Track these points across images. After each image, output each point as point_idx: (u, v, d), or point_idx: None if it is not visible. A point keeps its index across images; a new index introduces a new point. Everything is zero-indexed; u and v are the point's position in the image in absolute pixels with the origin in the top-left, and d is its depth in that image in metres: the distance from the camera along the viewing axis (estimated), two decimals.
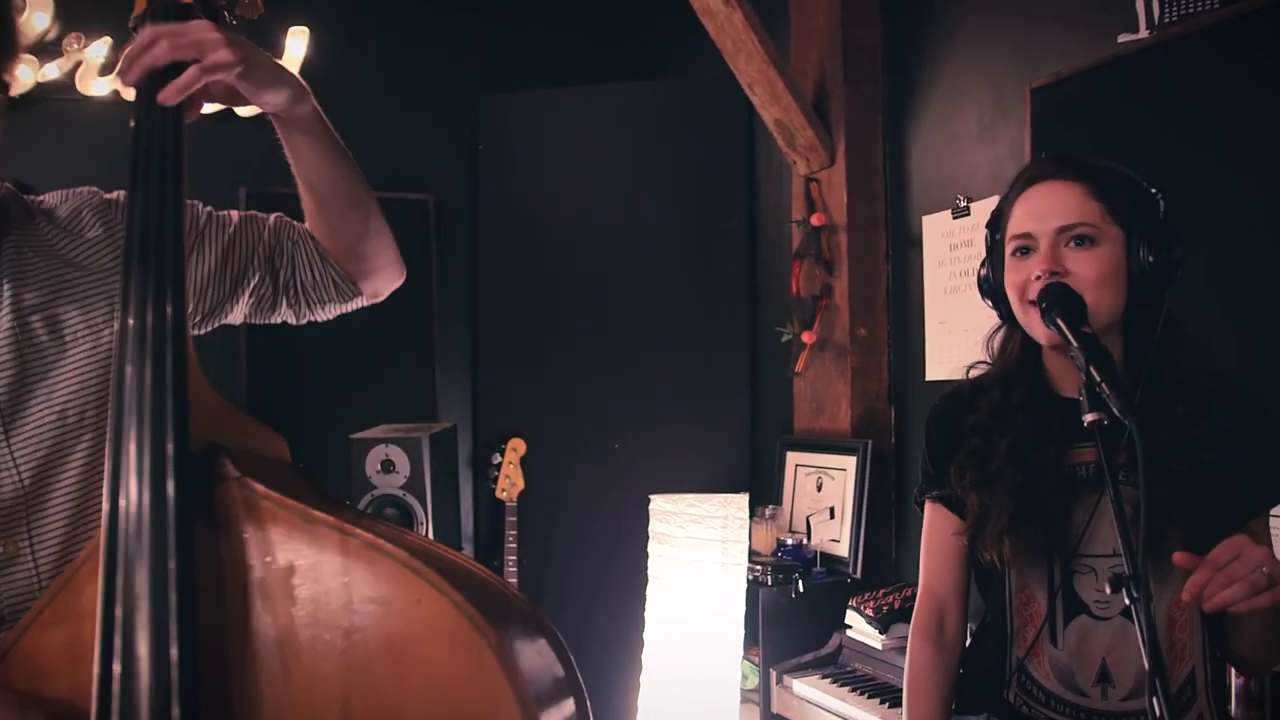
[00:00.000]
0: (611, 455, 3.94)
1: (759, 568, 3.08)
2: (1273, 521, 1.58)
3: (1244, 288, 2.22)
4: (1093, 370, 1.29)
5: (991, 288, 1.61)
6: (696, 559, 2.68)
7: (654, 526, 2.83)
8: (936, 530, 1.70)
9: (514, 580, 3.88)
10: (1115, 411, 1.24)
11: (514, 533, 3.92)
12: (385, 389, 3.97)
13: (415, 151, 4.14)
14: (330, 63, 3.91)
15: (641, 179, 4.03)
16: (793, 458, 3.52)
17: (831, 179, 3.40)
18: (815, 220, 3.35)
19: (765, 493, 3.66)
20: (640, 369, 3.96)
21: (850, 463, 3.24)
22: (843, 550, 3.21)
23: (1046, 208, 1.49)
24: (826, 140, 3.39)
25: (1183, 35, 2.33)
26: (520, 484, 3.95)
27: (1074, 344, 1.34)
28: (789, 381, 3.59)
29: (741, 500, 2.78)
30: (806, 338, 3.38)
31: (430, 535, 2.96)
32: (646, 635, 2.88)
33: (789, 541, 3.25)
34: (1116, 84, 2.49)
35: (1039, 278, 1.47)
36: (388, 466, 2.97)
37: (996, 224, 1.61)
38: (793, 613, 3.08)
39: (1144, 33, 2.43)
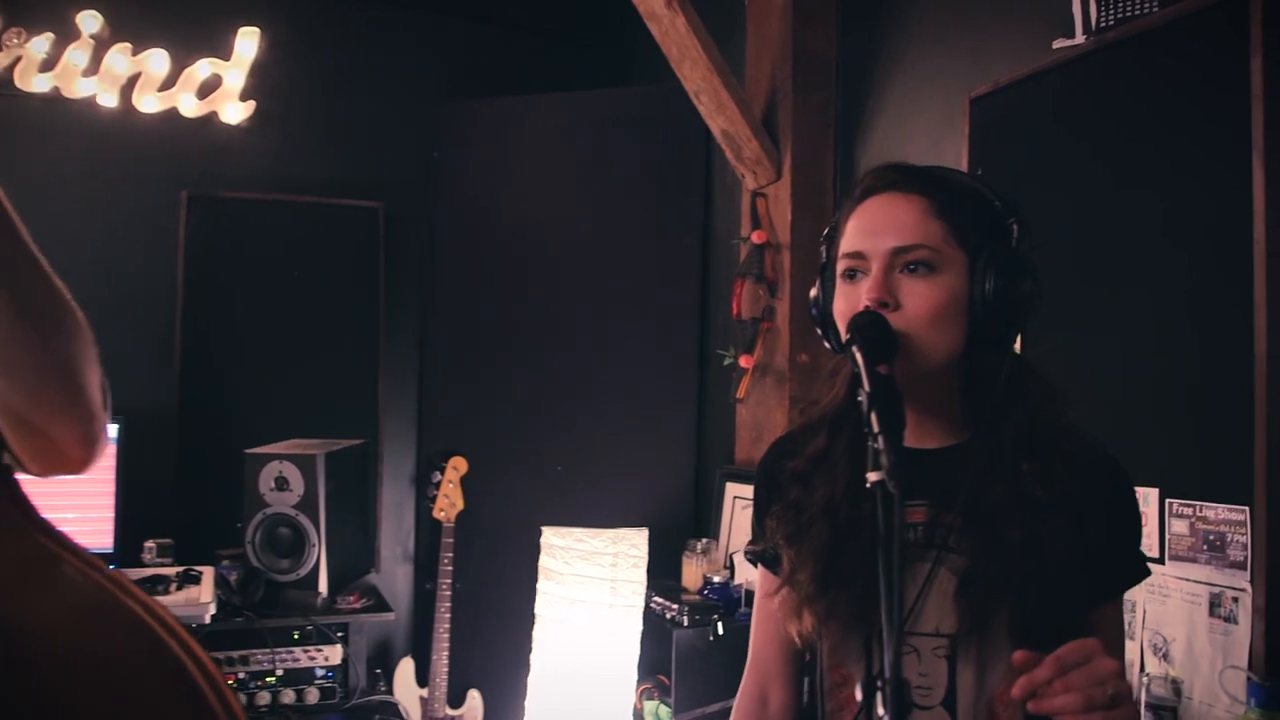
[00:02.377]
0: (554, 478, 3.71)
1: (676, 607, 2.84)
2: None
3: (1183, 307, 1.95)
4: (872, 418, 1.05)
5: (820, 313, 1.36)
6: (582, 598, 2.45)
7: (543, 561, 2.60)
8: (761, 592, 1.46)
9: (447, 604, 3.67)
10: (882, 470, 1.00)
11: (450, 555, 3.71)
12: (326, 401, 3.79)
13: (366, 157, 3.97)
14: (281, 64, 3.76)
15: (599, 192, 3.82)
16: (732, 489, 3.27)
17: (778, 194, 3.16)
18: (756, 238, 3.10)
19: (708, 525, 3.41)
20: (590, 390, 3.74)
21: None
22: None
23: (881, 224, 1.24)
24: (774, 153, 3.15)
25: (1120, 40, 2.07)
26: (459, 504, 3.74)
27: (864, 386, 1.10)
28: (732, 408, 3.35)
29: (636, 536, 2.54)
30: (744, 362, 3.13)
31: (323, 558, 2.77)
32: (531, 680, 2.64)
33: (716, 579, 3.00)
34: (1052, 92, 2.23)
35: (865, 309, 1.23)
36: (282, 484, 2.78)
37: (831, 239, 1.35)
38: (710, 656, 2.83)
39: (1080, 38, 2.16)
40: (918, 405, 1.24)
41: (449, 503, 3.73)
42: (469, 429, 3.85)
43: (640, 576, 2.52)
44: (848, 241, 1.27)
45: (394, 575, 3.99)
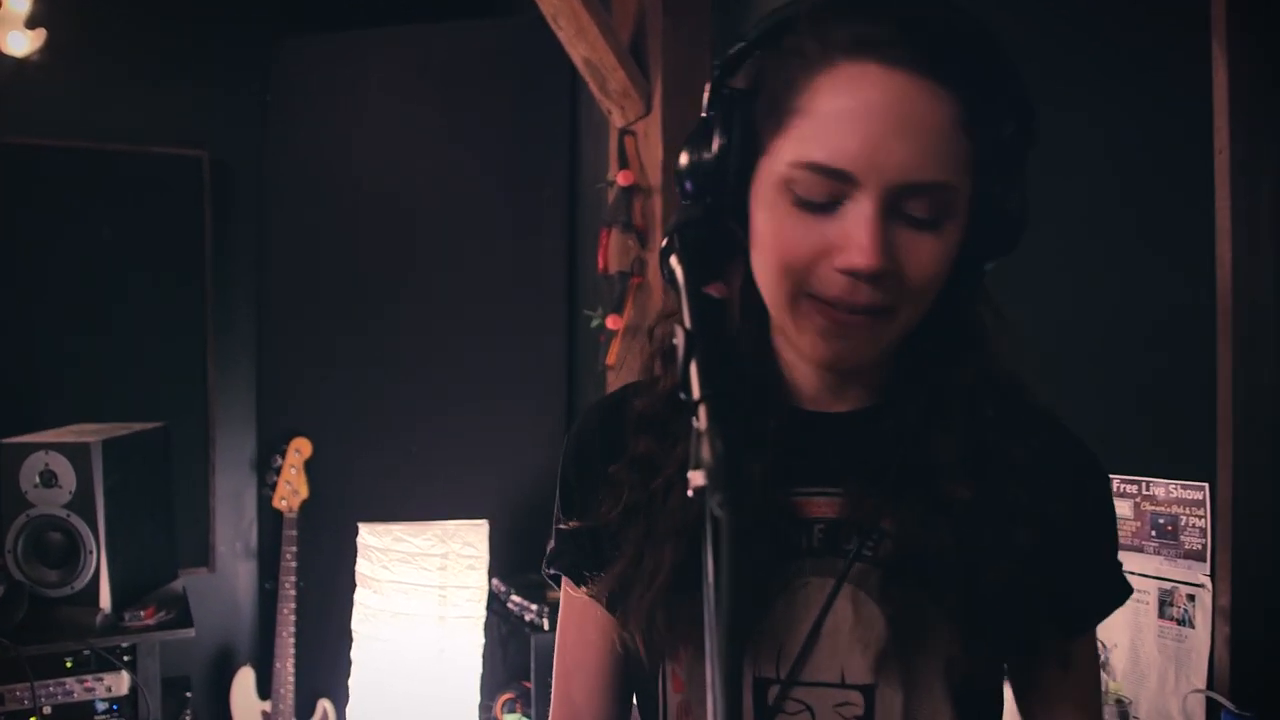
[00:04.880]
0: (410, 462, 3.20)
1: (535, 607, 2.37)
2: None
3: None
4: (691, 375, 0.59)
5: (718, 186, 0.78)
6: (404, 611, 1.96)
7: (360, 567, 2.10)
8: (575, 607, 0.98)
9: (291, 604, 3.14)
10: (704, 469, 0.54)
11: (293, 549, 3.19)
12: (143, 380, 3.21)
13: (186, 99, 3.35)
14: None
15: (454, 137, 3.29)
16: None
17: (648, 130, 2.69)
18: (622, 179, 2.63)
19: None
20: (446, 359, 3.23)
21: None
22: None
23: (891, 133, 0.71)
24: (643, 84, 2.67)
25: None
26: (303, 492, 3.22)
27: (684, 320, 0.64)
28: (603, 376, 2.88)
29: (475, 531, 2.06)
30: (613, 323, 2.66)
31: (104, 568, 2.21)
32: (349, 711, 2.14)
33: None
34: None
35: (855, 275, 0.73)
36: (48, 479, 2.21)
37: (747, 103, 0.78)
38: None
39: None
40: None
41: (291, 490, 3.20)
42: (314, 407, 3.31)
43: (478, 580, 2.05)
44: (815, 142, 0.72)
45: (233, 574, 3.44)
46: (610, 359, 2.75)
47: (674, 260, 0.70)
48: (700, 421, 0.58)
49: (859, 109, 0.71)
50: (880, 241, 0.70)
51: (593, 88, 2.76)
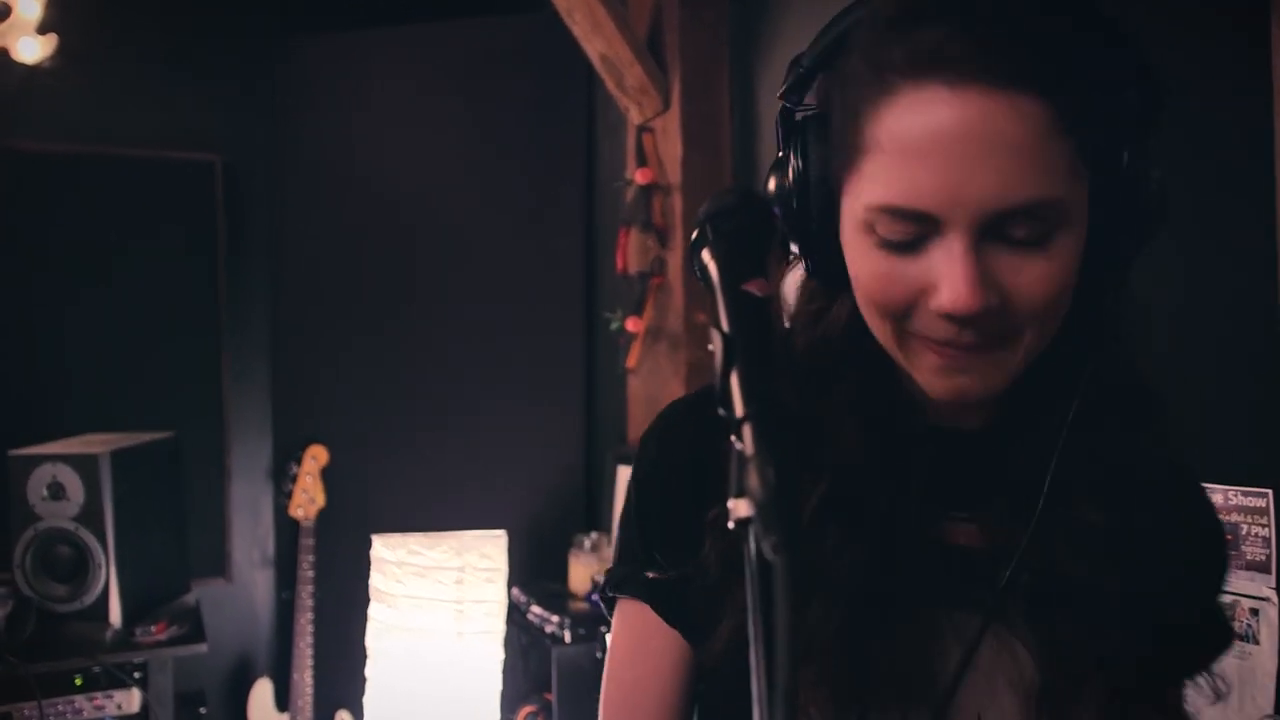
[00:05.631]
0: (428, 468, 3.12)
1: (556, 619, 2.29)
2: None
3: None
4: (732, 388, 0.50)
5: (805, 205, 0.71)
6: (420, 627, 1.88)
7: (374, 580, 2.02)
8: (650, 648, 0.81)
9: (309, 614, 3.07)
10: (752, 499, 0.45)
11: (310, 558, 3.11)
12: (159, 387, 3.14)
13: (197, 103, 3.28)
14: None
15: (470, 138, 3.21)
16: (625, 473, 2.72)
17: (666, 127, 2.60)
18: (640, 178, 2.54)
19: (599, 517, 2.87)
20: (462, 364, 3.15)
21: None
22: None
23: (973, 162, 0.61)
24: (661, 80, 2.59)
25: None
26: (320, 500, 3.14)
27: (721, 323, 0.55)
28: (623, 379, 2.80)
29: (493, 543, 1.98)
30: (632, 325, 2.58)
31: (114, 581, 2.15)
32: None
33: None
34: None
35: (952, 319, 0.64)
36: (56, 492, 2.15)
37: (823, 128, 0.70)
38: (599, 676, 2.28)
39: None
40: None
41: (308, 498, 3.13)
42: (330, 413, 3.24)
43: (496, 594, 1.97)
44: (887, 183, 0.64)
45: (250, 583, 3.37)
46: (630, 362, 2.67)
47: (706, 254, 0.61)
48: (745, 443, 0.49)
49: (929, 141, 0.62)
50: (974, 280, 0.62)
51: (609, 84, 2.68)
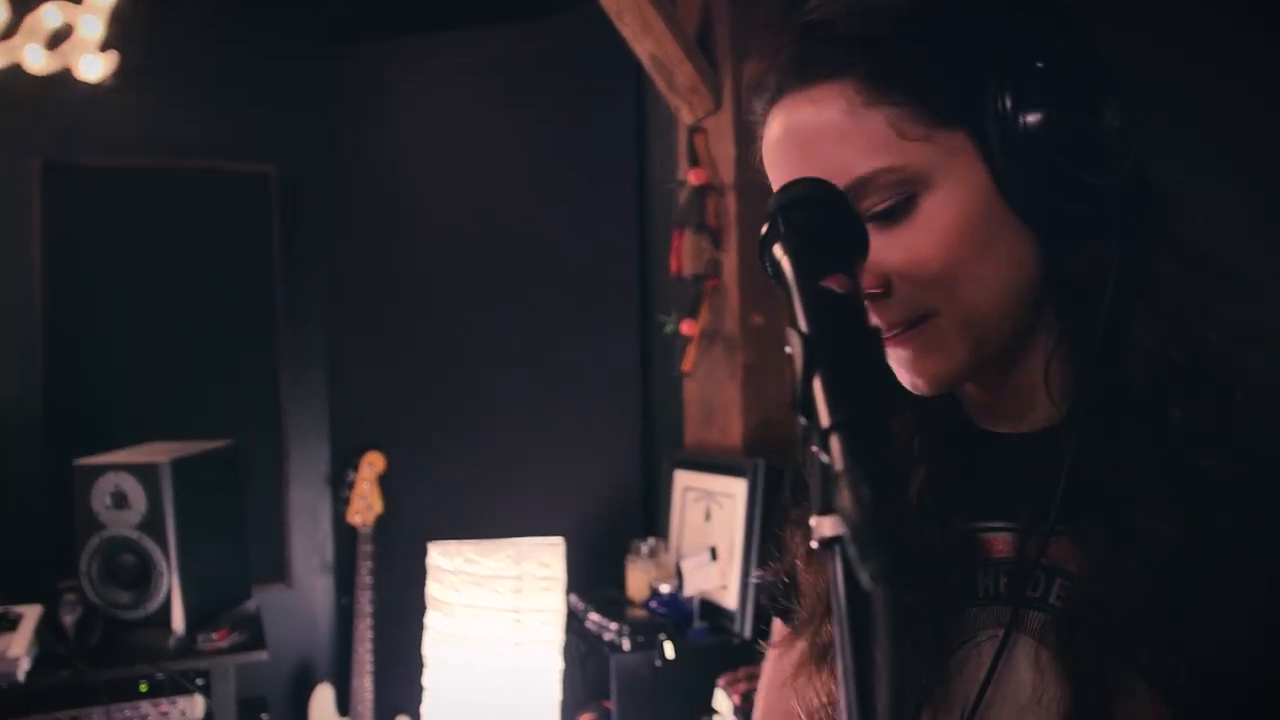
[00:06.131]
0: (483, 473, 3.11)
1: (615, 626, 2.26)
2: None
3: None
4: (816, 392, 0.46)
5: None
6: (477, 636, 1.86)
7: (430, 589, 2.01)
8: (771, 654, 0.84)
9: (368, 620, 3.08)
10: (841, 515, 0.41)
11: (369, 564, 3.13)
12: (218, 395, 3.17)
13: (253, 114, 3.31)
14: (150, 4, 3.09)
15: (520, 141, 3.20)
16: (682, 478, 2.68)
17: (719, 126, 2.56)
18: (693, 179, 2.50)
19: (656, 522, 2.83)
20: (517, 369, 3.14)
21: (740, 487, 2.40)
22: (732, 600, 2.37)
23: (790, 161, 0.70)
24: (711, 78, 2.55)
25: None
26: (377, 506, 3.16)
27: (799, 324, 0.51)
28: (678, 383, 2.76)
29: (551, 550, 1.95)
30: (687, 328, 2.54)
31: (176, 589, 2.16)
32: None
33: (664, 589, 2.42)
34: None
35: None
36: (119, 501, 2.16)
37: None
38: (659, 685, 2.25)
39: None
40: (983, 366, 0.71)
41: (365, 505, 3.15)
42: (385, 420, 3.26)
43: (554, 603, 1.94)
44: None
45: (310, 589, 3.39)
46: (686, 365, 2.63)
47: (778, 249, 0.57)
48: (834, 457, 0.45)
49: (770, 156, 0.72)
50: None
51: (660, 84, 2.65)
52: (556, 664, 1.96)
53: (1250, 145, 1.34)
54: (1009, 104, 0.63)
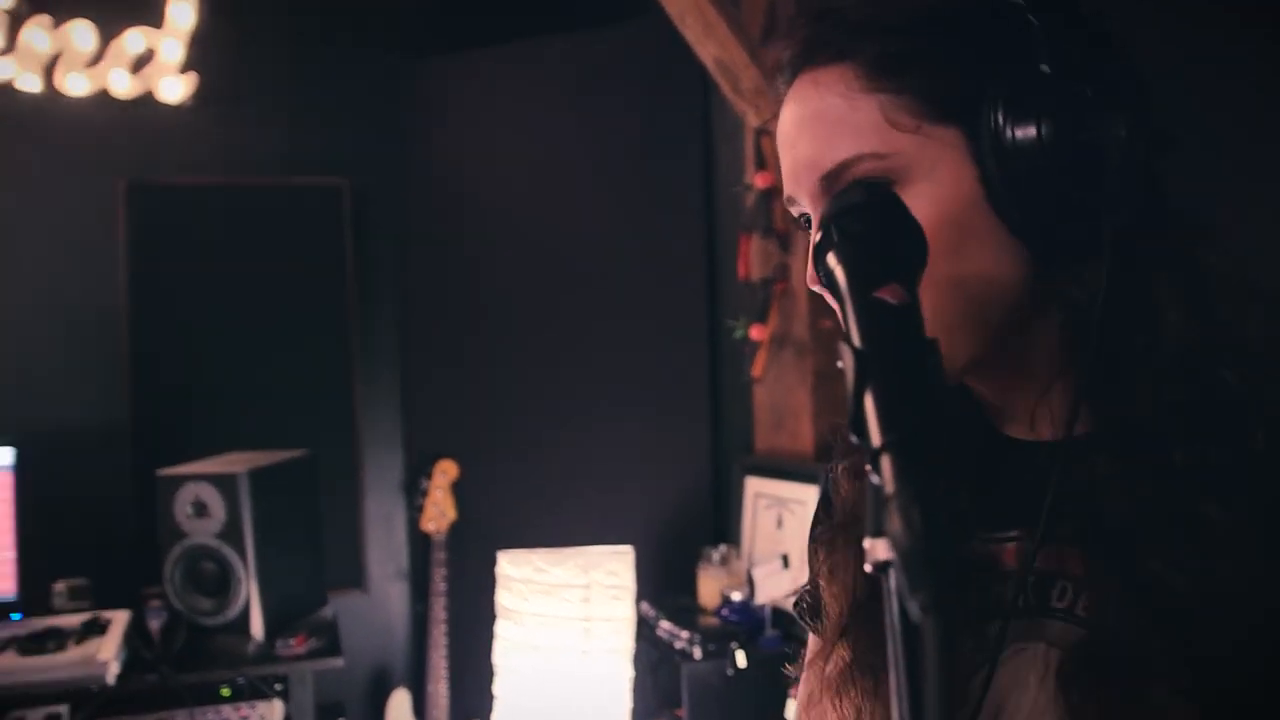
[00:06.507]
0: (555, 480, 3.12)
1: (686, 634, 2.24)
2: None
3: None
4: (867, 410, 0.44)
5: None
6: (546, 644, 1.85)
7: (500, 598, 2.01)
8: (806, 660, 0.81)
9: (443, 626, 3.11)
10: (893, 540, 0.39)
11: (443, 570, 3.16)
12: (295, 405, 3.24)
13: (327, 129, 3.37)
14: (227, 27, 3.18)
15: (587, 148, 3.20)
16: (753, 485, 2.66)
17: None
18: (760, 182, 2.47)
19: (728, 529, 2.80)
20: (587, 377, 3.14)
21: (811, 494, 2.35)
22: None
23: (793, 141, 0.69)
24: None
25: None
26: (451, 514, 3.19)
27: (852, 338, 0.49)
28: (748, 389, 2.73)
29: (620, 559, 1.94)
30: (756, 333, 2.51)
31: (254, 596, 2.21)
32: None
33: (735, 596, 2.40)
34: None
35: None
36: (200, 510, 2.22)
37: None
38: (730, 693, 2.23)
39: None
40: (998, 369, 0.68)
41: (439, 512, 3.18)
42: (458, 429, 3.28)
43: (623, 612, 1.93)
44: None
45: (385, 595, 3.43)
46: (756, 371, 2.60)
47: (832, 258, 0.55)
48: (884, 478, 0.43)
49: (779, 137, 0.70)
50: (812, 252, 0.61)
51: (725, 88, 2.63)
52: (626, 672, 1.94)
53: None
54: (1005, 106, 0.61)
